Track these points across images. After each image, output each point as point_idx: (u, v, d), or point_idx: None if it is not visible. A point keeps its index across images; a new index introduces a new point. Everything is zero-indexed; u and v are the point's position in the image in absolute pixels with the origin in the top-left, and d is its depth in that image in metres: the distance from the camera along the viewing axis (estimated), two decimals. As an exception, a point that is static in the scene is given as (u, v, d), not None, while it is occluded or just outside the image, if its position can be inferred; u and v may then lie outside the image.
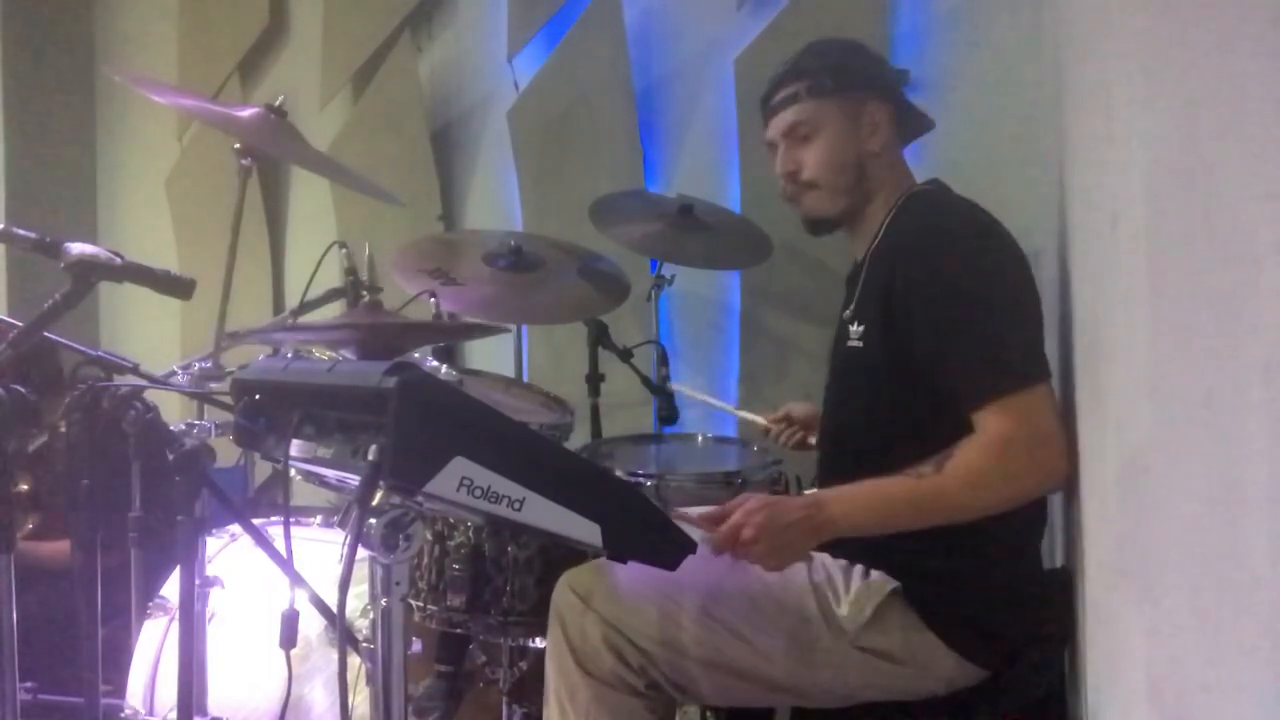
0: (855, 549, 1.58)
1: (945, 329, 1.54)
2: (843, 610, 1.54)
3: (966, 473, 1.48)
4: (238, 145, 2.48)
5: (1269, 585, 0.66)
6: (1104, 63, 1.17)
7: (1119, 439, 1.08)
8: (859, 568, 1.57)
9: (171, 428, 2.07)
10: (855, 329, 1.67)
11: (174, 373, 2.28)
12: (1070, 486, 1.60)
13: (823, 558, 1.60)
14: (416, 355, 2.18)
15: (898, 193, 1.72)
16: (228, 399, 1.67)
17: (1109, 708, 1.20)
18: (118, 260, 1.77)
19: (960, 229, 1.62)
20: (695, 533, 1.36)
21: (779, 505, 1.49)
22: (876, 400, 1.64)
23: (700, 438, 2.52)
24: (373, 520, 1.18)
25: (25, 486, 2.91)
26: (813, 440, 2.07)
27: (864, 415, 1.68)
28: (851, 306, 1.72)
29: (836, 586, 1.57)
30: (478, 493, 1.13)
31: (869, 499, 1.51)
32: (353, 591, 1.36)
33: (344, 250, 2.24)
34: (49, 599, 2.33)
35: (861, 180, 1.71)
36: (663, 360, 2.59)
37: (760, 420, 2.27)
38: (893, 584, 1.54)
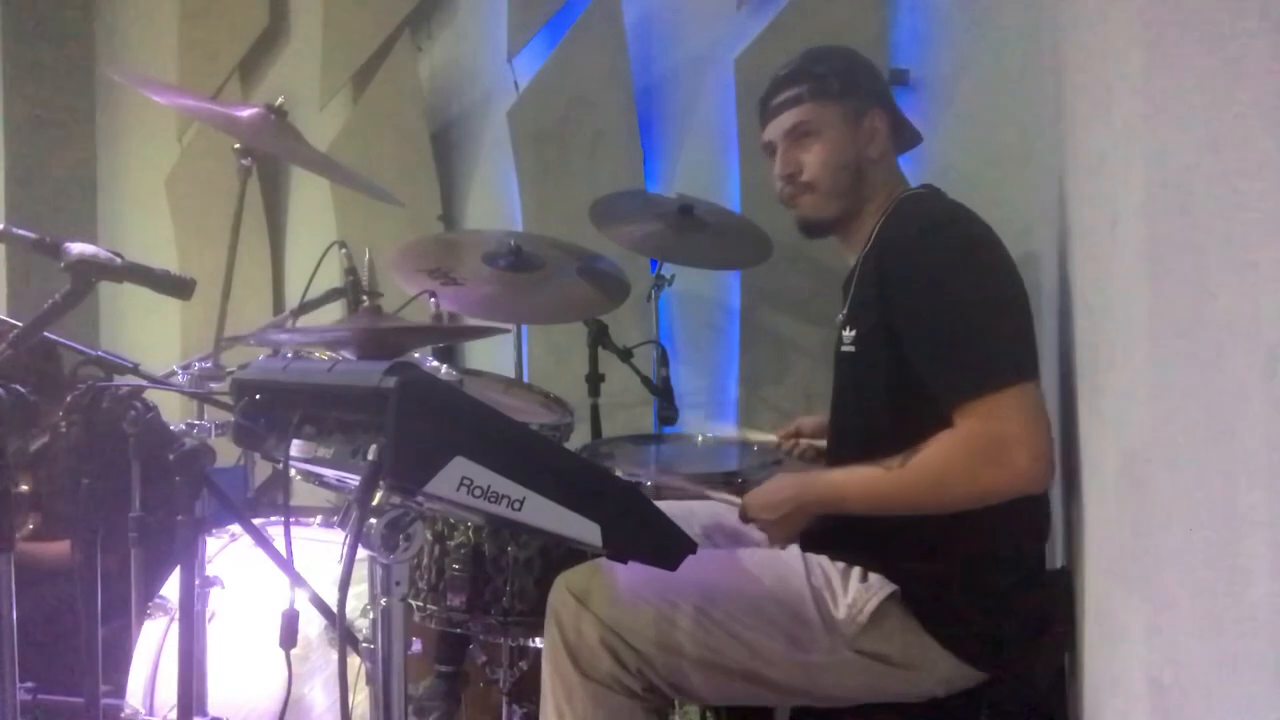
0: (854, 552, 1.59)
1: (927, 328, 1.55)
2: (840, 613, 1.54)
3: (928, 469, 1.50)
4: (238, 145, 2.48)
5: (1269, 585, 0.66)
6: (1104, 63, 1.17)
7: (1119, 439, 1.08)
8: (857, 570, 1.57)
9: (171, 428, 2.07)
10: (848, 334, 1.68)
11: (174, 373, 2.28)
12: (1070, 486, 1.60)
13: (821, 560, 1.60)
14: (416, 355, 2.18)
15: (890, 198, 1.73)
16: (228, 399, 1.67)
17: (1109, 708, 1.20)
18: (118, 260, 1.77)
19: (946, 231, 1.62)
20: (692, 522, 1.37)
21: (771, 486, 1.65)
22: (873, 404, 1.64)
23: (700, 438, 2.52)
24: (373, 520, 1.18)
25: (26, 487, 2.91)
26: (815, 454, 2.07)
27: (862, 419, 1.68)
28: (844, 311, 1.72)
29: (835, 589, 1.57)
30: (478, 493, 1.13)
31: (847, 485, 1.58)
32: (353, 591, 1.36)
33: (344, 250, 2.24)
34: (49, 599, 2.34)
35: (858, 184, 1.72)
36: (663, 360, 2.59)
37: (771, 437, 2.28)
38: (891, 587, 1.54)
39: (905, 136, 1.81)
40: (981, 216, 1.67)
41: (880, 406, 1.62)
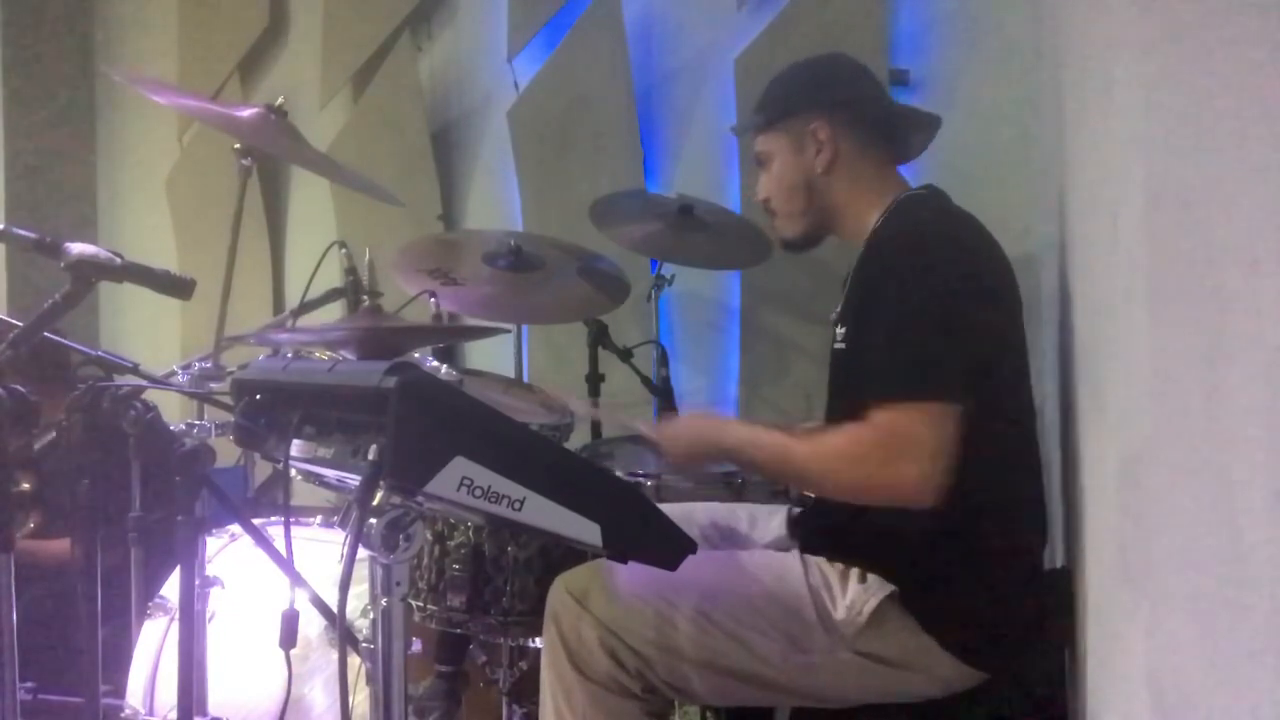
0: (852, 553, 1.59)
1: (880, 329, 1.56)
2: (839, 614, 1.54)
3: (830, 450, 1.54)
4: (238, 145, 2.48)
5: (1269, 585, 0.66)
6: (1104, 63, 1.17)
7: (1119, 439, 1.08)
8: (855, 571, 1.57)
9: (171, 428, 2.07)
10: (840, 331, 1.69)
11: (174, 373, 2.28)
12: (1070, 486, 1.60)
13: (819, 561, 1.60)
14: (416, 355, 2.18)
15: (885, 198, 1.70)
16: (228, 399, 1.67)
17: (1109, 708, 1.20)
18: (118, 260, 1.77)
19: (928, 238, 1.62)
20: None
21: (690, 427, 1.72)
22: (861, 401, 1.64)
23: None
24: (373, 520, 1.18)
25: (27, 485, 2.91)
26: None
27: (855, 416, 1.68)
28: (838, 310, 1.73)
29: (833, 590, 1.57)
30: (478, 493, 1.13)
31: (759, 446, 1.61)
32: (353, 591, 1.36)
33: (344, 250, 2.24)
34: (49, 599, 2.33)
35: (814, 201, 1.73)
36: (663, 360, 2.59)
37: None
38: (889, 587, 1.54)
39: (895, 129, 1.78)
40: (981, 217, 1.67)
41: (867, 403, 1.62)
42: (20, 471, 2.80)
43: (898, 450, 1.47)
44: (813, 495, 1.72)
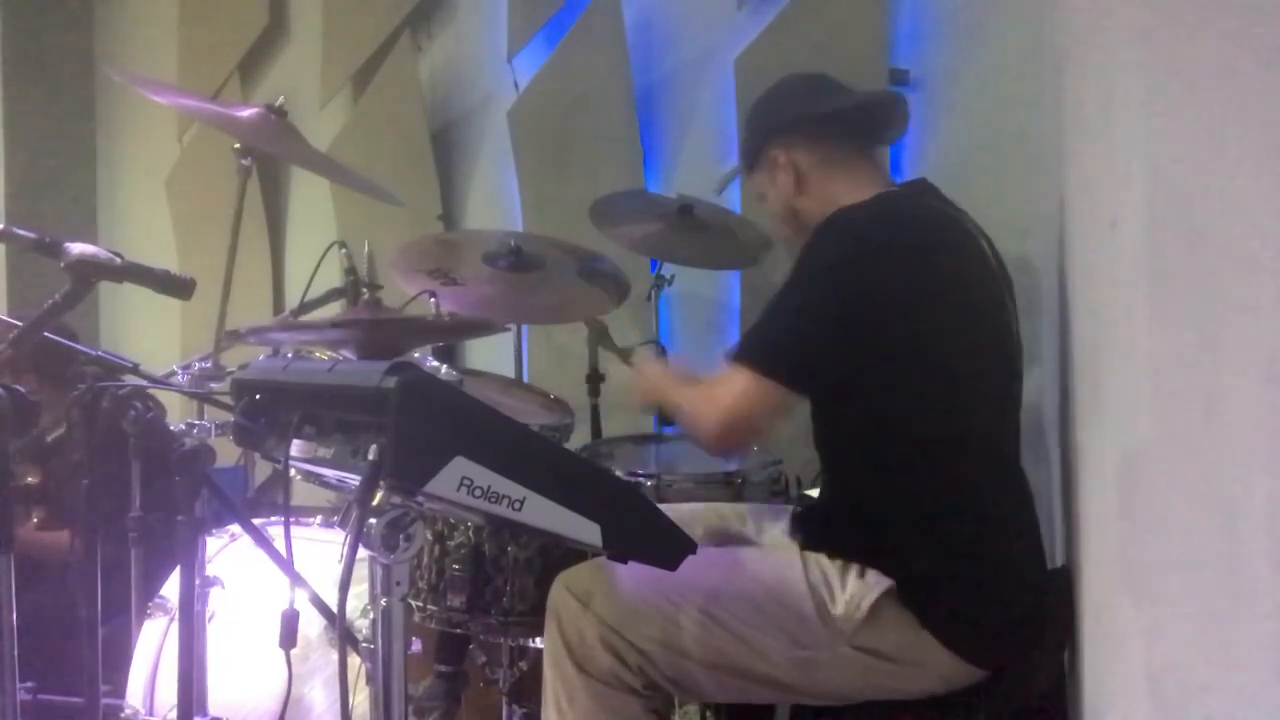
0: (851, 548, 1.59)
1: (767, 312, 1.64)
2: (838, 609, 1.55)
3: (690, 394, 1.67)
4: (238, 145, 2.48)
5: (1268, 585, 0.66)
6: (1104, 63, 1.17)
7: (1119, 439, 1.08)
8: (855, 567, 1.58)
9: (171, 428, 2.07)
10: None
11: (174, 373, 2.28)
12: (1070, 486, 1.60)
13: (819, 557, 1.61)
14: (416, 355, 2.18)
15: (867, 195, 1.69)
16: (228, 399, 1.67)
17: (1109, 708, 1.20)
18: (118, 260, 1.77)
19: (842, 230, 1.62)
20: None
21: (647, 378, 1.86)
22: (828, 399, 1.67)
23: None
24: (373, 520, 1.18)
25: (34, 479, 2.91)
26: None
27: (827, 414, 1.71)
28: None
29: (832, 586, 1.57)
30: (478, 493, 1.13)
31: (675, 398, 1.72)
32: (353, 591, 1.36)
33: (344, 250, 2.24)
34: (49, 599, 2.33)
35: (801, 220, 1.78)
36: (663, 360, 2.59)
37: None
38: (888, 582, 1.55)
39: (853, 129, 1.79)
40: (981, 217, 1.66)
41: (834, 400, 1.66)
42: (28, 465, 2.82)
43: (717, 399, 1.60)
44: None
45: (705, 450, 1.72)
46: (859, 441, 1.67)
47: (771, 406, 1.59)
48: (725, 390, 1.59)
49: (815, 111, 1.79)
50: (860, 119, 1.80)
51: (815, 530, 1.69)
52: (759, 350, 1.59)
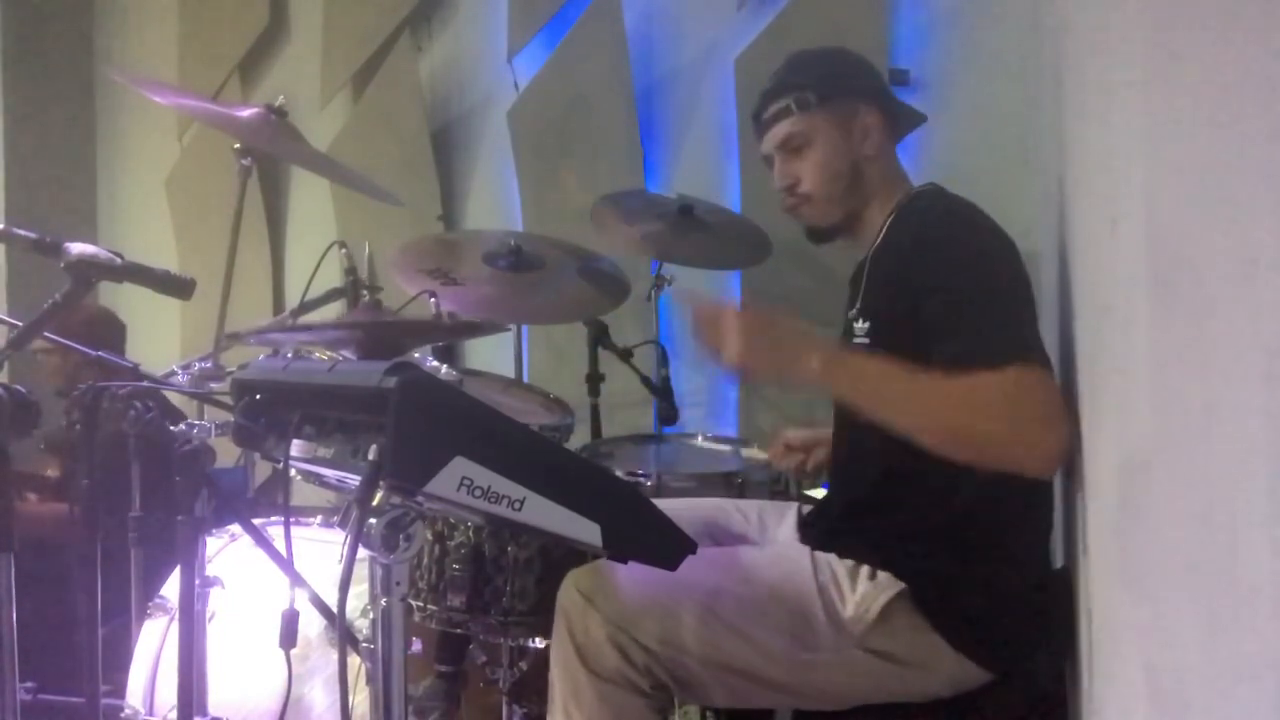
0: (863, 550, 1.59)
1: (961, 311, 1.48)
2: (848, 611, 1.54)
3: (974, 390, 1.38)
4: (238, 145, 2.48)
5: (1269, 585, 0.66)
6: (1104, 63, 1.17)
7: (1119, 439, 1.08)
8: (865, 569, 1.57)
9: (172, 428, 2.07)
10: (860, 326, 1.67)
11: (174, 373, 2.28)
12: (1070, 486, 1.60)
13: (829, 558, 1.60)
14: (416, 355, 2.18)
15: (896, 194, 1.73)
16: (228, 399, 1.67)
17: (1109, 708, 1.20)
18: (118, 260, 1.77)
19: (968, 223, 1.62)
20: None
21: (784, 318, 1.50)
22: None
23: (700, 437, 2.52)
24: (373, 520, 1.18)
25: (53, 472, 2.92)
26: (810, 466, 2.03)
27: None
28: (857, 305, 1.72)
29: (842, 587, 1.57)
30: (478, 493, 1.13)
31: (868, 364, 1.50)
32: (353, 591, 1.36)
33: (344, 250, 2.24)
34: (49, 599, 2.34)
35: (857, 186, 1.73)
36: (663, 360, 2.59)
37: (762, 455, 2.26)
38: (899, 585, 1.54)
39: (903, 123, 1.81)
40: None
41: None
42: (50, 457, 2.82)
43: (1045, 408, 1.36)
44: (929, 442, 1.42)
45: (1037, 471, 1.41)
46: (875, 443, 1.66)
47: (1056, 389, 1.41)
48: (1028, 398, 1.35)
49: (893, 98, 1.80)
50: (906, 126, 1.82)
51: (826, 531, 1.68)
52: (1003, 345, 1.40)
